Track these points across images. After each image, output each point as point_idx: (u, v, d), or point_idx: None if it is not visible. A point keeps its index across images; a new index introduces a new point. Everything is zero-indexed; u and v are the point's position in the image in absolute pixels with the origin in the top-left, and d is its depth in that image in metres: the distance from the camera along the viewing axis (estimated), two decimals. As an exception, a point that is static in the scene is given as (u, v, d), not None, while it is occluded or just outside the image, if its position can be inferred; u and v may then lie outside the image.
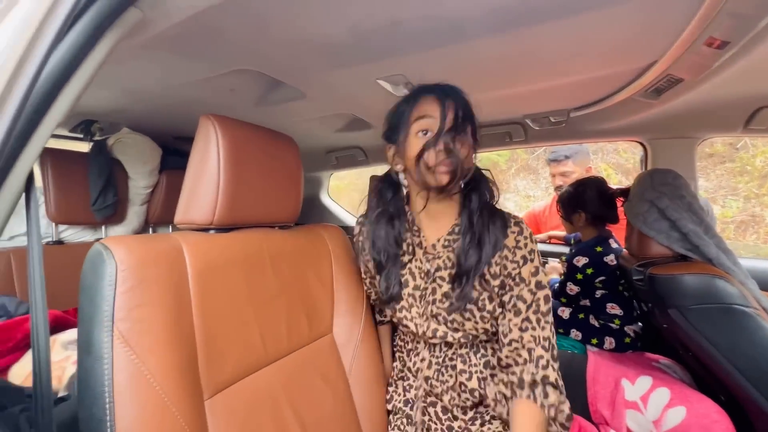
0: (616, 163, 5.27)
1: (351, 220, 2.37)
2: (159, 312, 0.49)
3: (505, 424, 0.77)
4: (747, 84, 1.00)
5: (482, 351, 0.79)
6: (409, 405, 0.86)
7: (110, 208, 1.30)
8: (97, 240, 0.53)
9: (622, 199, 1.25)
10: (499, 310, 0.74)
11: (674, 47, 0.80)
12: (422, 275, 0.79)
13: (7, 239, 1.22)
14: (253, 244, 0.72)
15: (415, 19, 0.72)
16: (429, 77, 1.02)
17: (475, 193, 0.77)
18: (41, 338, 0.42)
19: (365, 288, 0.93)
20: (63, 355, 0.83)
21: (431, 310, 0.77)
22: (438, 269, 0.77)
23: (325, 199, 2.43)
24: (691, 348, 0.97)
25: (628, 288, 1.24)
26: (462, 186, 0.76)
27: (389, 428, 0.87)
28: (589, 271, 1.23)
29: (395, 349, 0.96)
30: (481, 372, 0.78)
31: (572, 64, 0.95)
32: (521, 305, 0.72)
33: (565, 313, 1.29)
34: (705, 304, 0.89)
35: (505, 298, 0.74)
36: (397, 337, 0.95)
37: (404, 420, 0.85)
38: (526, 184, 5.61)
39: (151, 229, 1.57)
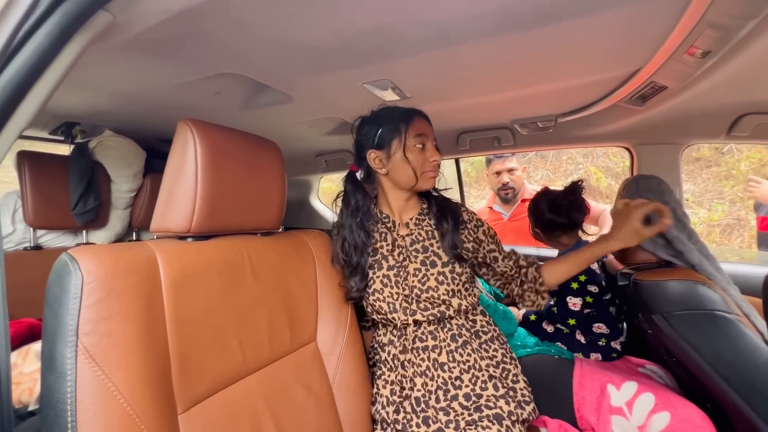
0: (606, 166, 5.34)
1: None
2: (128, 324, 0.48)
3: (476, 412, 0.81)
4: (729, 92, 1.01)
5: (448, 326, 0.89)
6: (381, 404, 0.86)
7: (91, 212, 1.27)
8: (78, 245, 0.51)
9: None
10: (468, 272, 0.94)
11: (657, 55, 0.81)
12: (395, 256, 0.91)
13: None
14: (233, 251, 0.70)
15: (400, 23, 0.71)
16: (416, 82, 1.02)
17: (435, 191, 1.01)
18: (2, 352, 0.40)
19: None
20: (36, 365, 0.81)
21: (402, 288, 0.88)
22: (413, 243, 0.92)
23: (315, 202, 2.41)
24: (674, 353, 0.97)
25: (612, 300, 1.21)
26: None
27: None
28: (582, 278, 1.17)
29: (374, 358, 0.97)
30: (449, 345, 0.87)
31: (558, 71, 0.96)
32: (495, 251, 0.99)
33: (549, 327, 1.24)
34: (688, 310, 0.89)
35: (479, 255, 0.98)
36: (374, 341, 0.97)
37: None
38: (517, 188, 5.64)
39: (135, 234, 1.54)
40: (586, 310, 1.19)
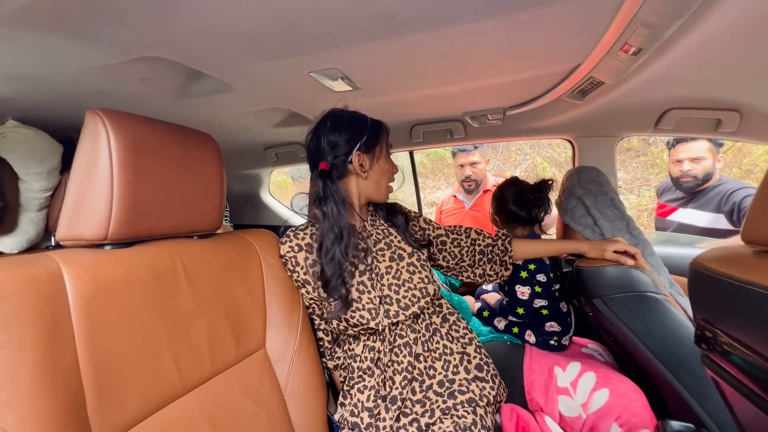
0: (551, 157, 5.68)
1: (295, 219, 2.27)
2: (22, 356, 0.40)
3: (444, 409, 0.81)
4: (657, 88, 1.09)
5: (422, 316, 0.90)
6: (352, 411, 0.83)
7: (-6, 216, 1.09)
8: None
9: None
10: (425, 255, 0.98)
11: (595, 51, 0.84)
12: (362, 259, 0.89)
13: None
14: (162, 257, 0.63)
15: (345, 9, 0.67)
16: (365, 73, 0.98)
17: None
18: None
19: (305, 298, 0.90)
20: None
21: (380, 290, 0.86)
22: (375, 243, 0.93)
23: (266, 197, 2.30)
24: (612, 333, 1.04)
25: (562, 292, 1.24)
26: None
27: None
28: (532, 266, 1.18)
29: (342, 365, 0.93)
30: (423, 335, 0.88)
31: (505, 64, 0.97)
32: (442, 235, 1.07)
33: (501, 323, 1.26)
34: (623, 293, 0.96)
35: (432, 238, 1.06)
36: (345, 356, 0.92)
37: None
38: (471, 178, 5.83)
39: (53, 239, 1.36)
40: (538, 303, 1.20)
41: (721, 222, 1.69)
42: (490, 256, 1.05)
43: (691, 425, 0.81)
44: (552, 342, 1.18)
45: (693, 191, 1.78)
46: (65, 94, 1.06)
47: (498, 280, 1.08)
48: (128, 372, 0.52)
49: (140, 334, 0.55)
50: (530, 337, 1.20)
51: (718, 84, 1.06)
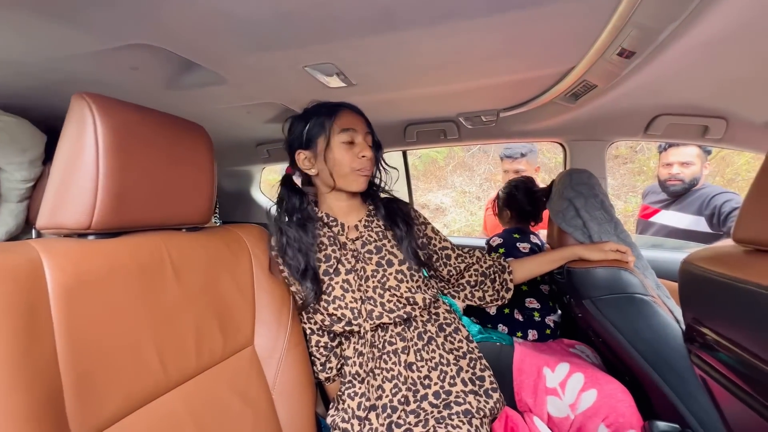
0: (540, 162, 5.75)
1: (286, 217, 2.25)
2: (-4, 346, 0.38)
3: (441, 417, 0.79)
4: (648, 93, 1.10)
5: (414, 324, 0.87)
6: (342, 417, 0.82)
7: (-29, 206, 1.05)
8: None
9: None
10: (418, 267, 0.91)
11: (589, 55, 0.84)
12: (349, 260, 0.86)
13: None
14: (149, 249, 0.61)
15: (344, 1, 0.66)
16: (362, 69, 0.98)
17: (376, 188, 0.98)
18: None
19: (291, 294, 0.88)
20: None
21: (364, 291, 0.84)
22: (364, 245, 0.88)
23: (257, 194, 2.27)
24: (600, 334, 1.05)
25: (549, 282, 1.31)
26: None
27: None
28: (501, 251, 1.30)
29: (335, 373, 0.92)
30: (416, 344, 0.85)
31: (500, 65, 0.97)
32: (448, 249, 1.01)
33: (492, 309, 1.30)
34: (612, 294, 0.97)
35: (430, 251, 0.98)
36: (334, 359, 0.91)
37: None
38: (462, 180, 5.89)
39: (34, 232, 1.31)
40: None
41: (701, 224, 1.72)
42: (492, 277, 1.02)
43: (677, 426, 0.82)
44: (535, 318, 1.25)
45: (678, 195, 1.82)
46: (51, 82, 1.02)
47: (500, 302, 1.05)
48: (109, 366, 0.50)
49: (123, 327, 0.53)
50: (518, 315, 1.26)
51: (706, 92, 1.08)
